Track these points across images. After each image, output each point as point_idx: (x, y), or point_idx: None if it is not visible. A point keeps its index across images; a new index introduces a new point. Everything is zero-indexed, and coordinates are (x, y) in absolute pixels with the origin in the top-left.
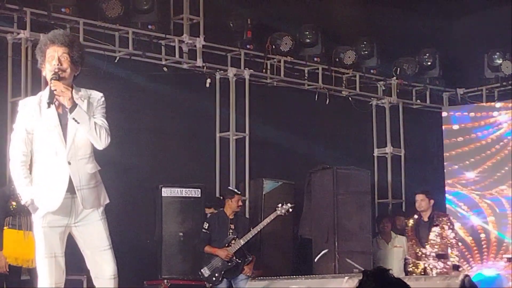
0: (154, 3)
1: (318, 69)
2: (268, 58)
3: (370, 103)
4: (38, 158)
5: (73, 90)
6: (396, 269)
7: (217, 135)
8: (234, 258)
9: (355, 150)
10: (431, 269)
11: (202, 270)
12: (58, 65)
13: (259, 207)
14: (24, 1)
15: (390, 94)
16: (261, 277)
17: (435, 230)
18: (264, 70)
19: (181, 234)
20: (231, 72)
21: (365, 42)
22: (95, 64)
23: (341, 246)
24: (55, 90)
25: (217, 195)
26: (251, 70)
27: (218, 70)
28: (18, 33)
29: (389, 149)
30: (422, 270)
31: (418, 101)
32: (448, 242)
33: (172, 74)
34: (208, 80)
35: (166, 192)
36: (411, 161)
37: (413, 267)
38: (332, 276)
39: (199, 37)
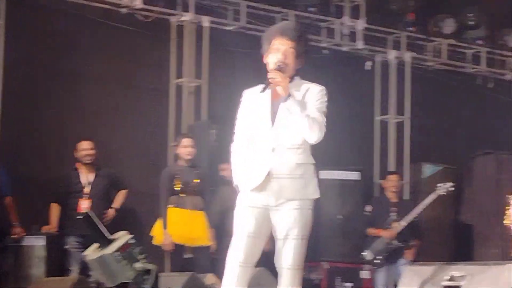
0: None
1: (481, 52)
2: (430, 40)
3: None
4: (249, 143)
5: (294, 82)
6: None
7: (377, 118)
8: (396, 241)
9: None
10: None
11: (364, 253)
12: (283, 58)
13: (419, 191)
14: None
15: None
16: (422, 262)
17: None
18: (425, 53)
19: (339, 217)
20: (392, 54)
21: None
22: (258, 46)
23: (504, 233)
24: (273, 79)
25: (376, 178)
26: (413, 53)
27: (378, 52)
28: (182, 16)
29: None
30: None
31: None
32: None
33: (332, 57)
34: (369, 63)
35: (324, 175)
36: None
37: None
38: (494, 263)
39: (360, 19)
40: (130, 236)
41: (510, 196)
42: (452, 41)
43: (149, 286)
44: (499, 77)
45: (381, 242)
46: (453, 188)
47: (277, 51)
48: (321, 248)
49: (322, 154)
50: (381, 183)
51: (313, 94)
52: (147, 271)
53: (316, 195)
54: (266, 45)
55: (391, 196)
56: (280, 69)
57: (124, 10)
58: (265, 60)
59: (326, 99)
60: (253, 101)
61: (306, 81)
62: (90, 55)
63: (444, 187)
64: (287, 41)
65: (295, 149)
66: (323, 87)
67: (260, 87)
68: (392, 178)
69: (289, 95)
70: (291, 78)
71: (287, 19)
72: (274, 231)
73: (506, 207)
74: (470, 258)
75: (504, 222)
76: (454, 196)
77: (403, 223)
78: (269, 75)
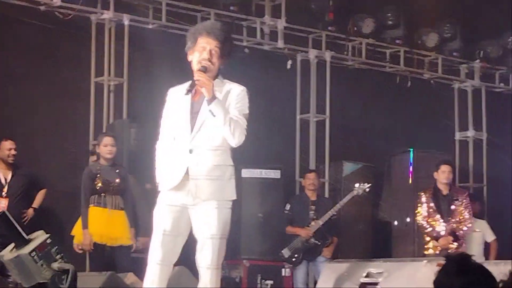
0: None
1: (400, 51)
2: (349, 40)
3: (452, 86)
4: (168, 142)
5: (216, 82)
6: (475, 254)
7: (298, 117)
8: (313, 239)
9: (436, 133)
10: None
11: (282, 251)
12: (208, 58)
13: (338, 189)
14: None
15: (472, 77)
16: (340, 260)
17: (456, 204)
18: (345, 52)
19: (260, 215)
20: (312, 54)
21: (448, 24)
22: (179, 45)
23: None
24: (198, 80)
25: (297, 177)
26: (332, 52)
27: (299, 51)
28: (102, 14)
29: (471, 133)
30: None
31: (502, 84)
32: (462, 220)
33: (253, 56)
34: (289, 62)
35: (245, 173)
36: (493, 145)
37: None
38: (411, 260)
39: (280, 18)
40: (47, 235)
41: (422, 193)
42: (371, 41)
43: (67, 286)
44: (418, 76)
45: (298, 240)
46: (369, 189)
47: (203, 49)
48: (241, 246)
49: (243, 153)
50: (301, 182)
51: (235, 95)
52: (65, 271)
53: (233, 196)
54: (191, 43)
55: (310, 194)
56: (204, 70)
57: (43, 8)
58: (189, 58)
59: (247, 100)
60: (175, 100)
61: (228, 81)
62: (9, 53)
63: (361, 188)
64: (213, 40)
65: (213, 150)
66: (244, 88)
67: (186, 85)
68: (311, 177)
69: (213, 98)
70: (214, 78)
71: (208, 18)
72: (194, 230)
73: (418, 205)
74: (388, 255)
75: (416, 219)
76: (373, 194)
77: (320, 221)
78: (196, 76)
